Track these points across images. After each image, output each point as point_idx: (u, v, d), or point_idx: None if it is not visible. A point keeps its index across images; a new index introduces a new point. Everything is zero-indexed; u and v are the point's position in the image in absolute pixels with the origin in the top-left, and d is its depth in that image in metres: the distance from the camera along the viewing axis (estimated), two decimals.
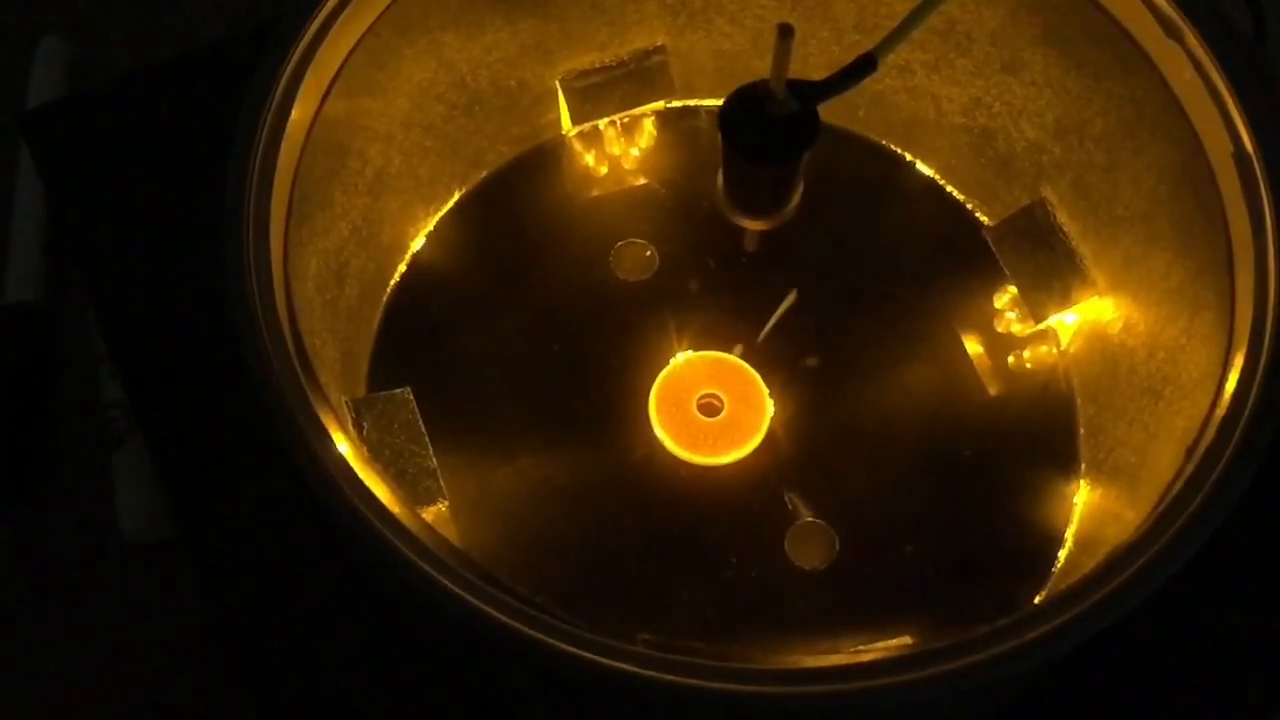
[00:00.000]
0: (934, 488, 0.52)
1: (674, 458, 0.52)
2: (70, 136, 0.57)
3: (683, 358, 0.54)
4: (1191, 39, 0.44)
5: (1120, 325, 0.51)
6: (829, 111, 0.58)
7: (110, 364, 0.62)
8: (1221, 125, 0.44)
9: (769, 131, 0.42)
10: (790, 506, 0.51)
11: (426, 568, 0.37)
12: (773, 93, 0.41)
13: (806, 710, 0.35)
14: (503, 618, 0.36)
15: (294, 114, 0.44)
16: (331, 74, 0.47)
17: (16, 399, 0.64)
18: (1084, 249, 0.53)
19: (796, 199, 0.46)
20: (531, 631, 0.36)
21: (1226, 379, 0.42)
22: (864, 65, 0.40)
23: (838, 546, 0.51)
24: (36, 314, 0.66)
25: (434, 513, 0.48)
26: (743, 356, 0.54)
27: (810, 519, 0.51)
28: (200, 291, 0.51)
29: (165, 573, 0.63)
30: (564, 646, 0.36)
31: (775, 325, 0.53)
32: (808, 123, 0.42)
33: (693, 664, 0.35)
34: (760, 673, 0.35)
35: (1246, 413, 0.40)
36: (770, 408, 0.53)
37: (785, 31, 0.38)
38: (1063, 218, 0.53)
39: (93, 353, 0.64)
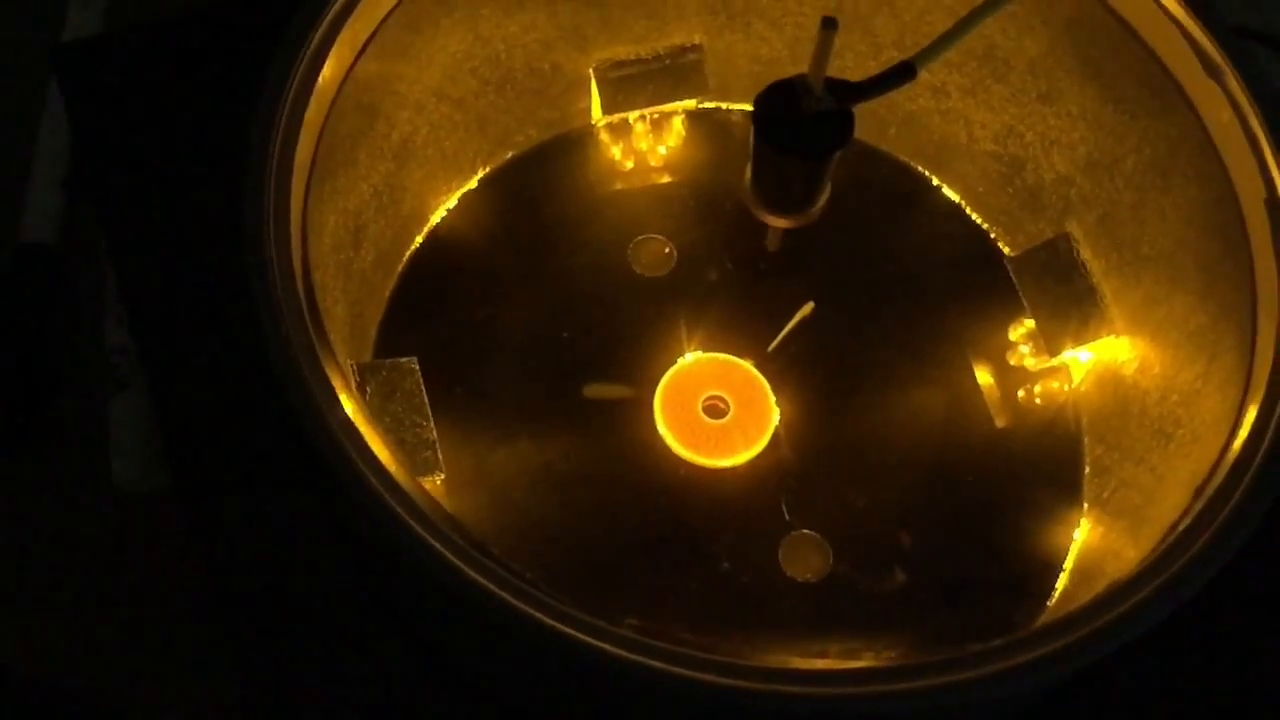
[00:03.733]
0: (932, 511, 0.52)
1: (674, 456, 0.52)
2: (100, 74, 0.56)
3: (692, 357, 0.53)
4: (1232, 80, 0.44)
5: (1135, 366, 0.51)
6: (860, 128, 0.58)
7: (119, 308, 0.62)
8: (1256, 170, 0.44)
9: (802, 127, 0.42)
10: (787, 516, 0.51)
11: (422, 532, 0.37)
12: (810, 88, 0.40)
13: (785, 709, 0.34)
14: (493, 588, 0.36)
15: (326, 69, 0.44)
16: (368, 33, 0.46)
17: (25, 340, 0.64)
18: (1105, 287, 0.52)
19: (822, 201, 0.46)
20: (521, 605, 0.36)
21: (1240, 424, 0.41)
22: (902, 72, 0.40)
23: (831, 560, 0.50)
24: (50, 256, 0.66)
25: (429, 484, 0.48)
26: (752, 363, 0.53)
27: (806, 531, 0.51)
28: (217, 242, 0.51)
29: (154, 522, 0.62)
30: (551, 623, 0.35)
31: (787, 335, 0.53)
32: (841, 122, 0.42)
33: (679, 653, 0.35)
34: (745, 669, 0.35)
35: (1259, 457, 0.39)
36: (776, 415, 0.52)
37: (829, 24, 0.38)
38: (1086, 254, 0.53)
39: (102, 297, 0.64)
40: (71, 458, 0.66)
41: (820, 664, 0.35)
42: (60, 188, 0.66)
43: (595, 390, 0.52)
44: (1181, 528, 0.39)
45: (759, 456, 0.52)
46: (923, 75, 0.55)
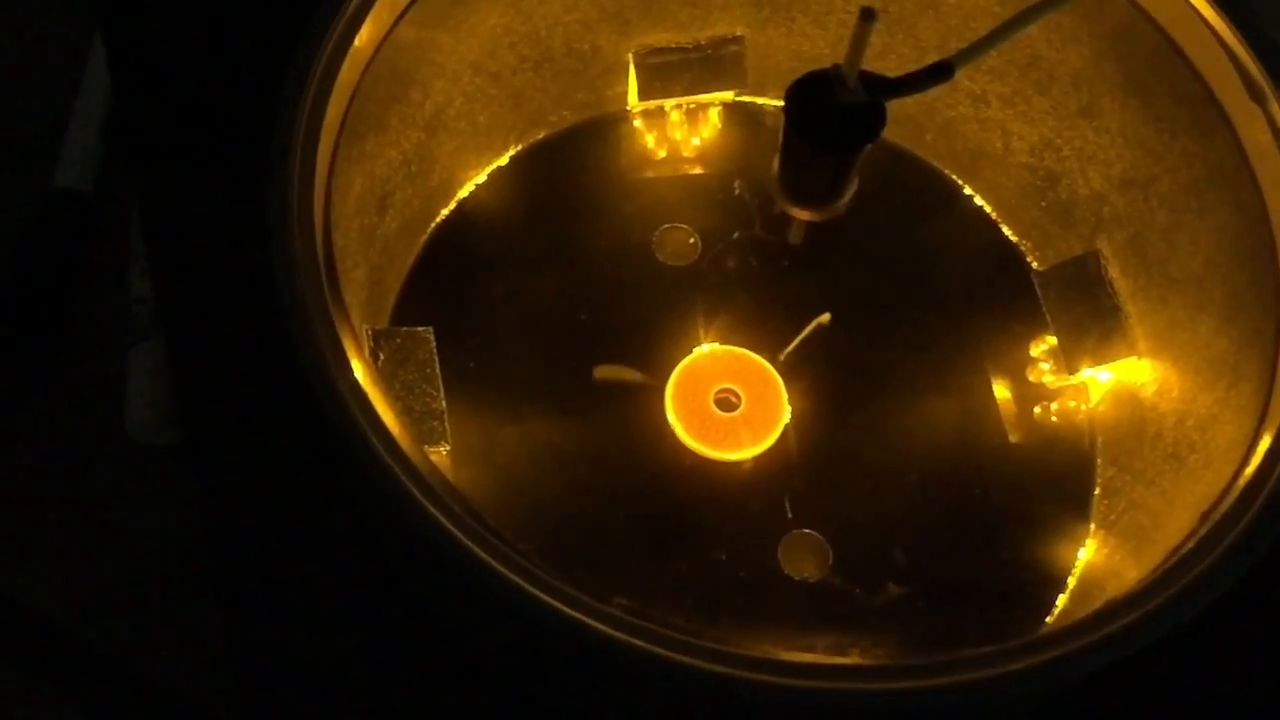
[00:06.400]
0: (937, 520, 0.51)
1: (682, 446, 0.51)
2: (142, 25, 0.57)
3: (707, 349, 0.53)
4: (1274, 104, 0.43)
5: (1154, 388, 0.50)
6: (897, 131, 0.58)
7: (144, 260, 0.62)
8: None
9: (833, 118, 0.41)
10: (789, 514, 0.50)
11: (420, 497, 0.37)
12: (844, 79, 0.40)
13: (766, 698, 0.34)
14: (484, 555, 0.36)
15: (364, 30, 0.44)
16: None
17: (51, 284, 0.65)
18: (1130, 307, 0.52)
19: (848, 196, 0.45)
20: (510, 574, 0.36)
21: (1254, 451, 0.41)
22: (940, 71, 0.39)
23: (831, 561, 0.50)
24: (82, 202, 0.66)
25: (434, 455, 0.48)
26: (767, 359, 0.53)
27: (807, 530, 0.50)
28: (246, 199, 0.51)
29: (167, 474, 0.63)
30: (538, 594, 0.35)
31: (800, 342, 0.53)
32: (872, 117, 0.42)
33: (663, 634, 0.35)
34: (730, 655, 0.34)
35: (1270, 484, 0.39)
36: (787, 413, 0.52)
37: (867, 15, 0.37)
38: (1114, 273, 0.52)
39: (129, 247, 0.64)
40: (89, 407, 0.66)
41: (806, 657, 0.35)
42: (98, 136, 0.67)
43: (605, 372, 0.52)
44: (1184, 551, 0.38)
45: (767, 452, 0.51)
46: (964, 83, 0.55)
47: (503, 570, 0.36)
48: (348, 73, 0.44)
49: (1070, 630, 0.36)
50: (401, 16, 0.46)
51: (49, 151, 0.68)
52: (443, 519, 0.37)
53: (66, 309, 0.66)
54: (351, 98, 0.45)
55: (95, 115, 0.67)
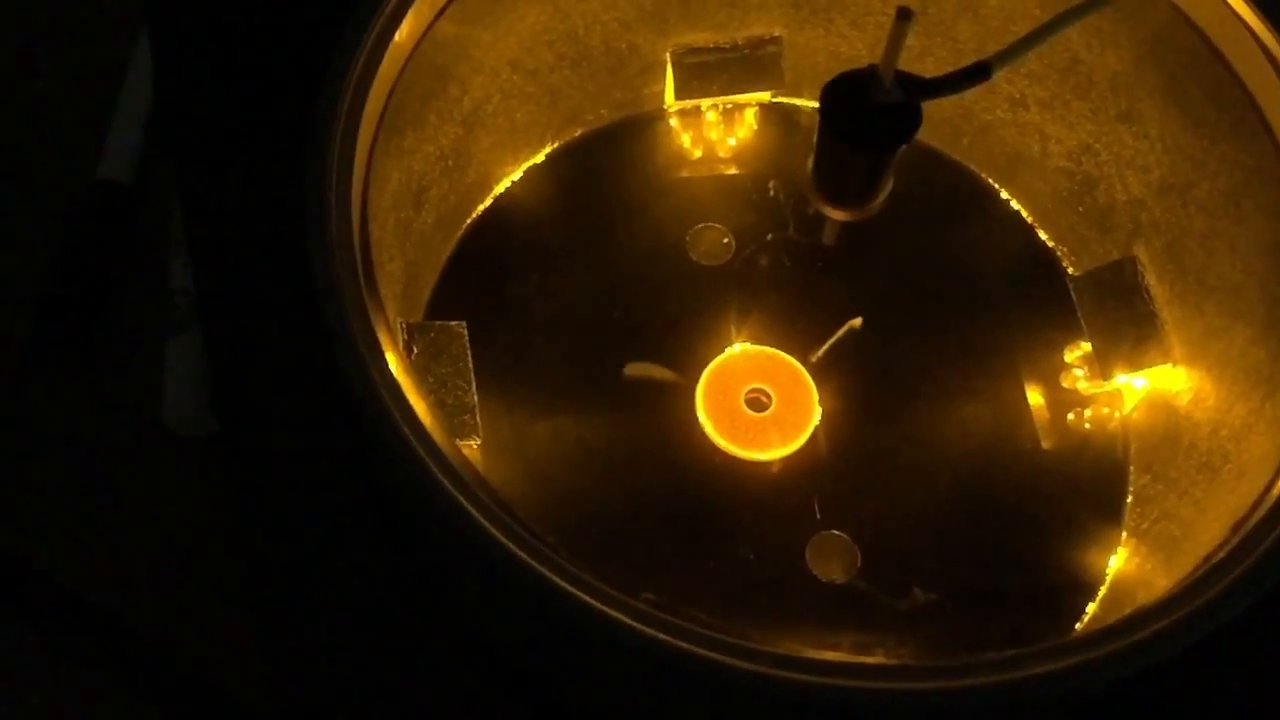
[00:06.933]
0: (967, 525, 0.51)
1: (712, 445, 0.52)
2: (188, 19, 0.57)
3: (739, 348, 0.53)
4: None
5: (1189, 397, 0.50)
6: (934, 134, 0.58)
7: (184, 252, 0.63)
8: None
9: (868, 118, 0.41)
10: (818, 515, 0.50)
11: (450, 487, 0.37)
12: (879, 79, 0.40)
13: (790, 695, 0.34)
14: (512, 547, 0.36)
15: (405, 26, 0.45)
16: None
17: (92, 276, 0.65)
18: (1166, 314, 0.51)
19: (882, 197, 0.45)
20: (538, 566, 0.36)
21: None
22: (977, 72, 0.39)
23: (859, 563, 0.50)
24: (126, 195, 0.67)
25: (465, 448, 0.48)
26: (799, 360, 0.53)
27: (836, 531, 0.50)
28: (287, 194, 0.52)
29: (202, 464, 0.63)
30: (567, 587, 0.36)
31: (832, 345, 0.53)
32: (907, 117, 0.42)
33: (689, 629, 0.35)
34: (755, 652, 0.35)
35: None
36: (817, 414, 0.52)
37: (904, 14, 0.37)
38: (1151, 279, 0.52)
39: (171, 239, 0.65)
40: (127, 395, 0.67)
41: (831, 655, 0.35)
42: (141, 129, 0.68)
43: (636, 369, 0.52)
44: (1215, 561, 0.38)
45: (796, 453, 0.51)
46: (1002, 86, 0.55)
47: (530, 562, 0.36)
48: (388, 68, 0.44)
49: (1096, 636, 0.36)
50: (442, 13, 0.47)
51: (93, 145, 0.68)
52: (473, 510, 0.37)
53: (108, 299, 0.66)
54: (390, 92, 0.45)
55: (139, 109, 0.68)
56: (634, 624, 0.35)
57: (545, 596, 0.36)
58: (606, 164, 0.58)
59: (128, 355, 0.67)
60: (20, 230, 0.68)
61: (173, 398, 0.63)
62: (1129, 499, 0.52)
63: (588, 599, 0.35)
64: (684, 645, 0.34)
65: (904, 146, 0.42)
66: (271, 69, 0.56)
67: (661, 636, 0.35)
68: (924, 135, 0.58)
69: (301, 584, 0.49)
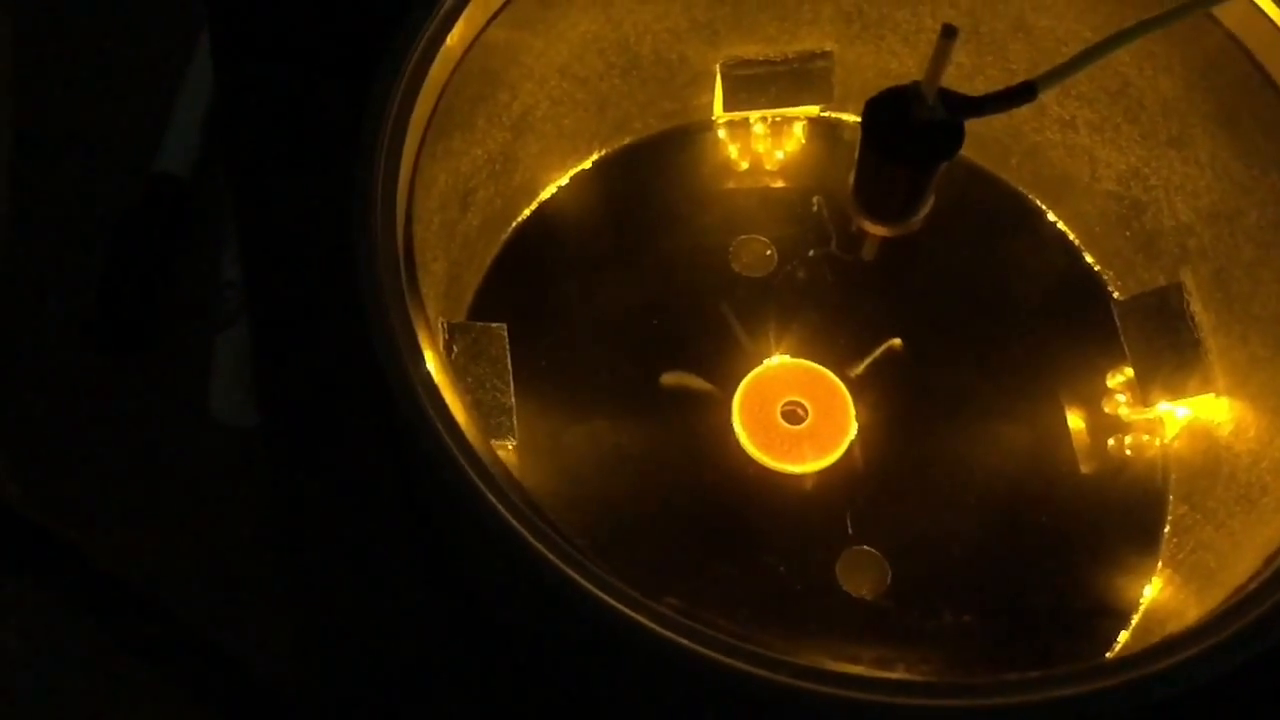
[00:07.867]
0: (1001, 547, 0.51)
1: (746, 456, 0.52)
2: (249, 13, 0.58)
3: (777, 360, 0.53)
4: None
5: (1231, 428, 0.49)
6: (982, 153, 0.58)
7: (235, 246, 0.64)
8: None
9: (910, 134, 0.41)
10: (850, 530, 0.50)
11: (481, 486, 0.38)
12: (923, 95, 0.40)
13: (810, 707, 0.34)
14: (540, 547, 0.36)
15: (456, 30, 0.45)
16: (501, 1, 0.47)
17: (147, 266, 0.67)
18: (1211, 342, 0.51)
19: (923, 213, 0.45)
20: (567, 570, 0.36)
21: None
22: (1023, 92, 0.39)
23: (889, 580, 0.49)
24: (181, 188, 0.68)
25: (500, 449, 0.48)
26: (837, 374, 0.53)
27: (867, 547, 0.50)
28: (338, 193, 0.53)
29: (247, 455, 0.64)
30: (592, 589, 0.36)
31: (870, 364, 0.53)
32: (950, 134, 0.41)
33: (712, 636, 0.35)
34: (775, 661, 0.35)
35: None
36: (854, 429, 0.52)
37: (949, 31, 0.37)
38: (1196, 307, 0.51)
39: (223, 233, 0.66)
40: (177, 384, 0.68)
41: (851, 668, 0.35)
42: (199, 124, 0.69)
43: (672, 378, 0.52)
44: (1246, 592, 0.37)
45: (831, 467, 0.51)
46: (1053, 108, 0.55)
47: (556, 561, 0.36)
48: (438, 71, 0.45)
49: (1121, 662, 0.36)
50: (493, 18, 0.48)
51: (153, 140, 0.70)
52: (502, 509, 0.37)
53: (162, 289, 0.68)
54: (440, 95, 0.46)
55: (198, 105, 0.69)
56: (655, 627, 0.35)
57: (568, 596, 0.36)
58: (653, 173, 0.58)
59: (178, 345, 0.68)
60: (79, 219, 0.70)
61: (219, 389, 0.64)
62: (1167, 528, 0.51)
63: (609, 599, 0.36)
64: (704, 651, 0.35)
65: (945, 164, 0.42)
66: (326, 70, 0.57)
67: (681, 641, 0.35)
68: (973, 154, 0.58)
69: (335, 577, 0.50)
